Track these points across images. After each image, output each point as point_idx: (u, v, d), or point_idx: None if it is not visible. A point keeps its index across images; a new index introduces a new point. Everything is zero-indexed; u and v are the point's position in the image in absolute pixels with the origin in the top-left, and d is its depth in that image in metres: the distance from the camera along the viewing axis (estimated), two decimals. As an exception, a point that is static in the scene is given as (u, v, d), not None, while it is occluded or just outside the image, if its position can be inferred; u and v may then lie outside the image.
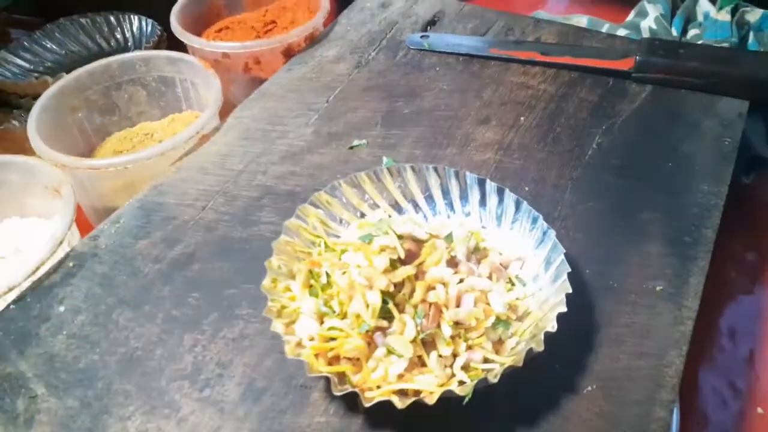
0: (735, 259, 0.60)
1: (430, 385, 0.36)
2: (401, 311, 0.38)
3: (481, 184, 0.47)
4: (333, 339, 0.38)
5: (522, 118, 0.59)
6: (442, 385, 0.36)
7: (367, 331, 0.37)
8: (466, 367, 0.38)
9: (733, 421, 0.49)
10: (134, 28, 0.83)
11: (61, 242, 0.49)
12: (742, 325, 0.55)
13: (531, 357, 0.37)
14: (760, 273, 0.59)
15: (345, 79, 0.65)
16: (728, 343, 0.54)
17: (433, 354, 0.38)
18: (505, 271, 0.43)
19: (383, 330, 0.38)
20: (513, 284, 0.42)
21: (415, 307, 0.38)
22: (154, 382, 0.41)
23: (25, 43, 0.82)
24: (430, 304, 0.38)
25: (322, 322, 0.39)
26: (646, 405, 0.38)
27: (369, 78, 0.65)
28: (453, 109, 0.61)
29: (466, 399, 0.35)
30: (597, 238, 0.48)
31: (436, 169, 0.48)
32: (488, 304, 0.40)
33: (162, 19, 0.77)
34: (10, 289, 0.46)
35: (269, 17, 0.77)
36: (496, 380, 0.35)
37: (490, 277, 0.42)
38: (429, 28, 0.72)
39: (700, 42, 0.72)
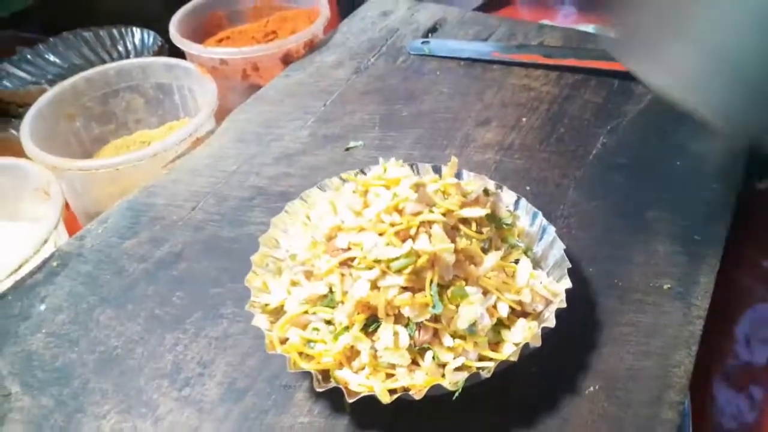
0: (750, 267, 0.57)
1: (418, 380, 0.34)
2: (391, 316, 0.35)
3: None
4: (312, 342, 0.36)
5: (524, 119, 0.57)
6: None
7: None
8: (459, 367, 0.35)
9: (750, 432, 0.46)
10: (136, 40, 0.83)
11: (45, 241, 0.48)
12: (758, 333, 0.52)
13: (527, 353, 0.34)
14: (776, 280, 0.56)
15: (343, 83, 0.64)
16: (744, 351, 0.51)
17: (428, 355, 0.35)
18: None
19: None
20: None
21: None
22: (132, 381, 0.39)
23: (28, 56, 0.82)
24: (419, 326, 0.35)
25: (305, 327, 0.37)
26: (653, 406, 0.36)
27: (368, 82, 0.64)
28: (453, 111, 0.59)
29: (456, 394, 0.33)
30: (601, 236, 0.46)
31: (433, 167, 0.46)
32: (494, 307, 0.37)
33: (166, 32, 0.77)
34: (-9, 288, 0.45)
35: (270, 27, 0.76)
36: (489, 375, 0.33)
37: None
38: (430, 35, 0.70)
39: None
